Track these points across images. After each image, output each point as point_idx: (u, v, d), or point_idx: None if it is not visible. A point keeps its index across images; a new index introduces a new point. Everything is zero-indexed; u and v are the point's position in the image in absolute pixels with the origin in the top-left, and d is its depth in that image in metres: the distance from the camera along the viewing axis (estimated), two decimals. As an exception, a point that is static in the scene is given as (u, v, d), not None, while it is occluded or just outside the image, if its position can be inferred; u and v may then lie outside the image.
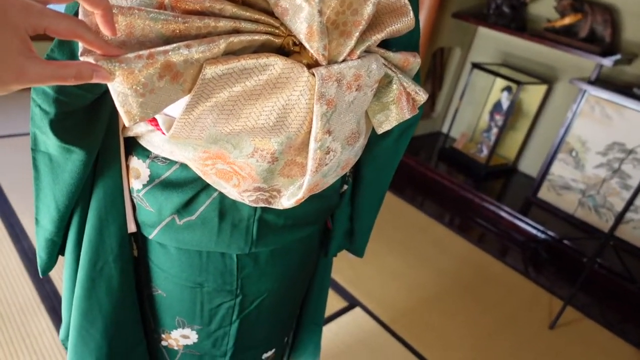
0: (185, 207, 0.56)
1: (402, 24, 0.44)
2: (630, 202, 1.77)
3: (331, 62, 0.42)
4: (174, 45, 0.36)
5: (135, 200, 0.59)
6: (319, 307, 0.86)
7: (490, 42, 2.83)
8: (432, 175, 2.75)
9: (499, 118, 2.68)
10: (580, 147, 2.35)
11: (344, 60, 0.42)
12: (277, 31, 0.41)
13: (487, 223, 2.49)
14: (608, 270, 2.12)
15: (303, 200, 0.50)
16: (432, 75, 2.97)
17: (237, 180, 0.48)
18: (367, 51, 0.45)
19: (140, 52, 0.34)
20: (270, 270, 0.66)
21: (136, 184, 0.57)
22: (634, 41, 2.24)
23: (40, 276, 0.65)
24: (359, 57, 0.43)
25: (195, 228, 0.58)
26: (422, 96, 0.49)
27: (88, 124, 0.51)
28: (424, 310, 1.76)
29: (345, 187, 0.70)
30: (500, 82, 2.66)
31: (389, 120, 0.50)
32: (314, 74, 0.40)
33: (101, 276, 0.61)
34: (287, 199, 0.51)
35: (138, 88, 0.36)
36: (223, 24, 0.38)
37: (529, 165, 2.82)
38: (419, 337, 1.63)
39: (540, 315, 1.87)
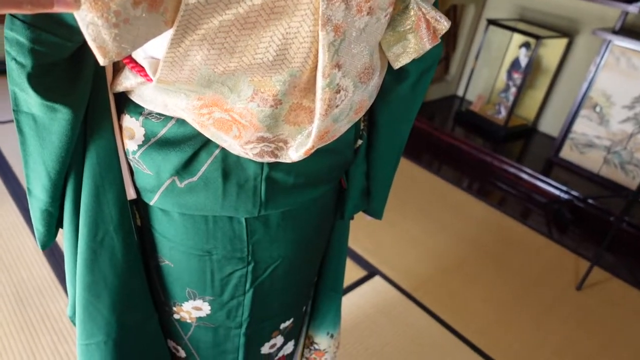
0: (186, 168, 0.52)
1: None
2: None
3: None
4: None
5: (131, 163, 0.54)
6: (337, 274, 0.82)
7: (506, -3, 2.69)
8: (448, 140, 2.67)
9: (517, 77, 2.56)
10: (605, 102, 2.24)
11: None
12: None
13: (508, 186, 2.42)
14: (636, 228, 2.04)
15: (313, 150, 0.45)
16: (446, 35, 2.85)
17: (237, 130, 0.42)
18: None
19: None
20: (283, 234, 0.61)
21: (131, 145, 0.53)
22: (661, -15, 2.09)
23: (41, 250, 0.62)
24: None
25: (198, 190, 0.53)
26: (443, 24, 0.43)
27: (71, 78, 0.46)
28: (445, 277, 1.72)
29: (360, 142, 0.64)
30: (517, 38, 2.53)
31: (407, 52, 0.44)
32: None
33: (102, 247, 0.57)
34: (295, 150, 0.46)
35: (110, 17, 0.30)
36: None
37: (550, 125, 2.72)
38: (441, 304, 1.59)
39: (566, 277, 1.81)
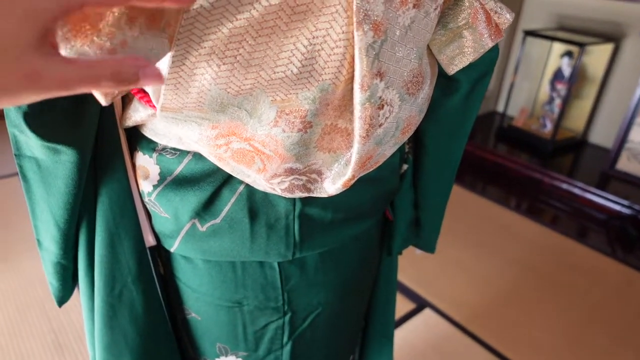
0: (206, 208, 0.45)
1: None
2: None
3: None
4: None
5: (148, 206, 0.48)
6: (387, 317, 0.72)
7: (542, 6, 2.58)
8: (491, 158, 2.53)
9: (561, 87, 2.42)
10: (663, 107, 2.06)
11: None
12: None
13: (560, 203, 2.25)
14: None
15: (353, 181, 0.37)
16: (480, 51, 2.75)
17: (260, 161, 0.35)
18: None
19: None
20: (322, 278, 0.53)
21: (146, 186, 0.46)
22: None
23: (58, 306, 0.56)
24: None
25: (222, 233, 0.46)
26: (505, 16, 0.35)
27: (74, 115, 0.40)
28: (501, 307, 1.57)
29: (405, 166, 0.56)
30: (558, 48, 2.40)
31: (463, 52, 0.36)
32: None
33: (121, 302, 0.51)
34: (332, 182, 0.38)
35: (103, 41, 0.24)
36: None
37: (601, 135, 2.54)
38: (500, 338, 1.44)
39: (636, 301, 1.63)
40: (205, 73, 0.28)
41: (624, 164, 2.25)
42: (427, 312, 1.54)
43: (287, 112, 0.32)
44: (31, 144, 0.41)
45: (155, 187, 0.46)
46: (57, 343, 1.39)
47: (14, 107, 0.39)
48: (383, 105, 0.32)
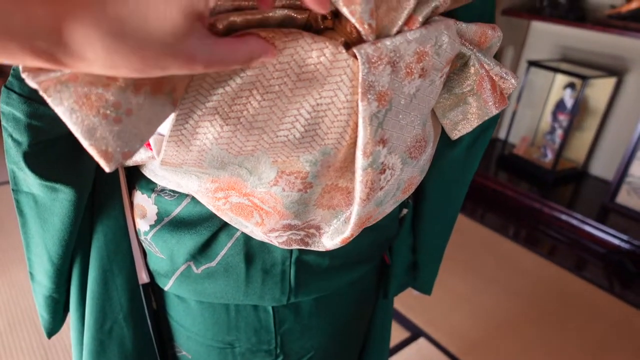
0: (202, 252, 0.44)
1: None
2: None
3: (380, 35, 0.28)
4: None
5: (144, 244, 0.48)
6: (381, 358, 0.71)
7: (546, 37, 2.60)
8: (492, 185, 2.53)
9: (563, 118, 2.43)
10: (664, 143, 2.07)
11: (399, 32, 0.29)
12: (298, 1, 0.28)
13: (559, 234, 2.24)
14: None
15: (352, 238, 0.37)
16: (483, 78, 2.77)
17: (259, 216, 0.35)
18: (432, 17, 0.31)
19: None
20: (316, 322, 0.52)
21: (143, 225, 0.46)
22: None
23: (47, 338, 0.55)
24: (422, 26, 0.29)
25: (217, 277, 0.46)
26: (511, 82, 0.35)
27: (73, 155, 0.40)
28: (497, 339, 1.55)
29: (405, 211, 0.56)
30: (561, 79, 2.42)
31: (467, 119, 0.35)
32: (355, 55, 0.27)
33: (111, 338, 0.50)
34: (330, 238, 0.38)
35: (108, 112, 0.24)
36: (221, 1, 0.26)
37: (602, 168, 2.54)
38: (495, 372, 1.42)
39: (634, 339, 1.61)
40: (207, 132, 0.28)
41: (624, 197, 2.24)
42: (421, 342, 1.52)
43: (288, 172, 0.31)
44: (29, 181, 0.41)
45: (152, 227, 0.45)
46: (46, 358, 1.37)
47: (14, 145, 0.39)
48: (385, 170, 0.32)
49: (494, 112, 0.35)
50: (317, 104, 0.28)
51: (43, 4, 0.20)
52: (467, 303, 1.71)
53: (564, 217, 2.29)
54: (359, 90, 0.28)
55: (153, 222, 0.45)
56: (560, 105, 2.46)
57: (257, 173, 0.32)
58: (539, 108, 2.59)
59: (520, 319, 1.65)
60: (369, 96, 0.28)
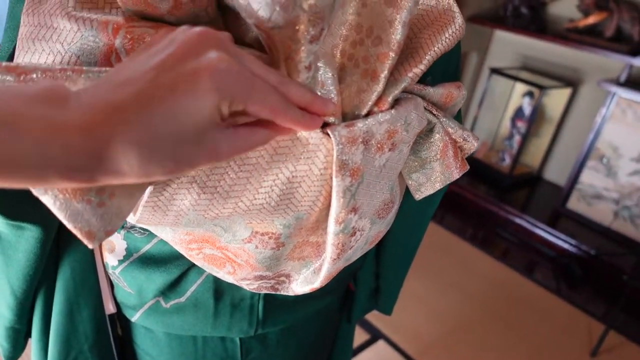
0: (172, 288, 0.45)
1: (449, 39, 0.32)
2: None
3: (350, 114, 0.30)
4: None
5: (111, 277, 0.48)
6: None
7: (508, 46, 2.69)
8: (451, 187, 2.61)
9: (521, 125, 2.53)
10: (612, 154, 2.19)
11: (370, 113, 0.30)
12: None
13: (514, 237, 2.34)
14: (650, 287, 1.95)
15: (320, 287, 0.38)
16: (448, 82, 2.83)
17: (231, 267, 0.36)
18: (403, 91, 0.33)
19: None
20: (282, 351, 0.54)
21: (111, 260, 0.46)
22: (665, 38, 2.08)
23: (7, 364, 0.54)
24: (392, 107, 0.31)
25: (186, 311, 0.46)
26: (472, 143, 0.37)
27: None
28: (452, 340, 1.62)
29: (370, 242, 0.58)
30: (520, 87, 2.51)
31: (430, 181, 0.38)
32: (329, 135, 0.28)
33: None
34: (300, 286, 0.39)
35: (92, 198, 0.24)
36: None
37: (555, 173, 2.67)
38: (449, 373, 1.49)
39: (579, 340, 1.72)
40: (184, 199, 0.29)
41: (574, 203, 2.37)
42: (380, 344, 1.57)
43: (262, 233, 0.32)
44: None
45: (120, 262, 0.45)
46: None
47: None
48: (355, 232, 0.33)
49: (456, 176, 0.37)
50: (293, 176, 0.29)
51: (81, 133, 0.20)
52: (425, 305, 1.77)
53: (518, 220, 2.39)
54: (333, 167, 0.29)
55: (122, 258, 0.45)
56: (519, 112, 2.56)
57: (231, 231, 0.33)
58: (499, 114, 2.68)
59: (474, 321, 1.73)
60: (343, 172, 0.29)
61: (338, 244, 0.33)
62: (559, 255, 2.20)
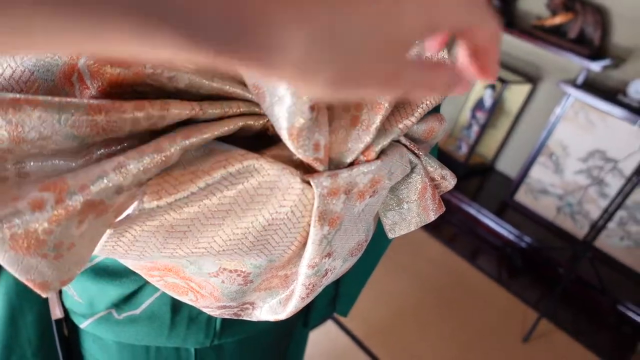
0: (126, 301, 0.43)
1: (438, 96, 0.31)
2: (611, 213, 1.72)
3: (335, 160, 0.28)
4: (97, 172, 0.22)
5: None
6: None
7: (476, 35, 2.71)
8: (409, 172, 2.66)
9: (480, 116, 2.59)
10: (561, 152, 2.29)
11: (355, 162, 0.29)
12: (257, 109, 0.27)
13: (465, 225, 2.43)
14: (581, 280, 2.10)
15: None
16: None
17: (194, 296, 0.34)
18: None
19: (43, 195, 0.20)
20: (237, 359, 0.53)
21: (60, 267, 0.43)
22: (622, 45, 2.17)
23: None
24: (378, 158, 0.30)
25: (140, 322, 0.44)
26: (449, 182, 0.37)
27: None
28: (399, 323, 1.68)
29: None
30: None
31: (406, 221, 0.37)
32: (310, 184, 0.27)
33: None
34: (264, 314, 0.38)
35: (48, 252, 0.22)
36: (176, 111, 0.24)
37: (507, 165, 2.77)
38: (392, 355, 1.55)
39: (514, 327, 1.83)
40: (149, 242, 0.27)
41: (522, 196, 2.48)
42: (329, 325, 1.60)
43: (230, 270, 0.31)
44: None
45: (71, 271, 0.42)
46: None
47: None
48: (327, 273, 0.33)
49: (432, 218, 0.37)
50: (269, 224, 0.28)
51: None
52: (375, 286, 1.82)
53: (467, 208, 2.48)
54: (312, 217, 0.28)
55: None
56: (479, 104, 2.61)
57: (197, 264, 0.31)
58: (460, 104, 2.73)
59: (421, 304, 1.80)
60: (322, 222, 0.28)
61: (309, 284, 0.32)
62: (503, 245, 2.31)
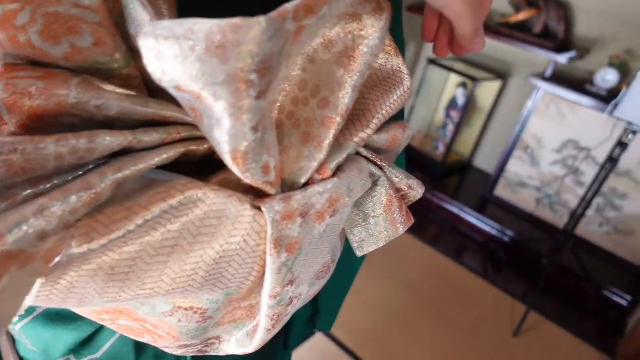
0: (84, 345, 0.40)
1: (397, 102, 0.29)
2: (588, 201, 1.74)
3: (288, 182, 0.26)
4: (14, 218, 0.19)
5: (12, 332, 0.41)
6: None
7: (444, 35, 2.74)
8: (388, 175, 2.65)
9: (454, 115, 2.61)
10: (536, 145, 2.32)
11: (309, 182, 0.27)
12: (199, 133, 0.25)
13: (447, 224, 2.43)
14: (564, 269, 2.12)
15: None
16: (386, 69, 2.85)
17: (151, 338, 0.32)
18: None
19: None
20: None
21: (10, 313, 0.40)
22: (585, 36, 2.21)
23: None
24: (334, 175, 0.28)
25: (102, 365, 0.41)
26: (417, 191, 0.35)
27: None
28: (389, 330, 1.66)
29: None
30: (455, 78, 2.58)
31: (373, 237, 0.35)
32: (261, 210, 0.25)
33: None
34: (232, 348, 0.36)
35: None
36: (106, 141, 0.22)
37: (484, 161, 2.79)
38: (384, 363, 1.53)
39: (503, 322, 1.83)
40: (87, 288, 0.24)
41: (501, 190, 2.49)
42: (318, 337, 1.58)
43: (186, 307, 0.29)
44: None
45: (21, 317, 0.39)
46: None
47: None
48: (292, 301, 0.30)
49: (401, 232, 0.35)
50: (221, 256, 0.25)
51: None
52: (361, 294, 1.80)
53: (448, 206, 2.48)
54: (267, 245, 0.26)
55: (22, 313, 0.39)
56: (453, 103, 2.63)
57: (149, 305, 0.28)
58: (434, 104, 2.75)
59: (408, 309, 1.78)
60: (278, 249, 0.26)
61: (273, 315, 0.30)
62: (487, 240, 2.32)
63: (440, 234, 2.37)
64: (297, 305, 0.33)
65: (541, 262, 2.19)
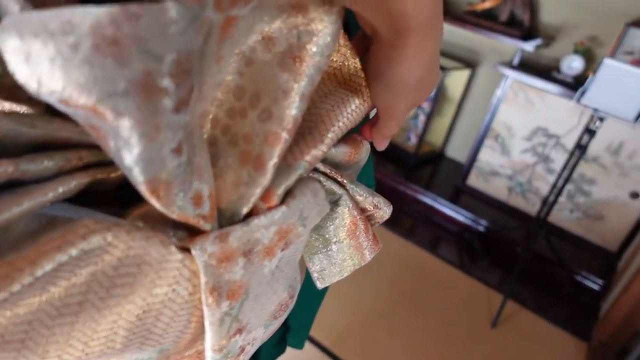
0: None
1: (355, 112, 0.25)
2: (559, 188, 1.75)
3: (228, 214, 0.21)
4: None
5: None
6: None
7: (412, 25, 2.71)
8: (361, 169, 2.63)
9: (425, 105, 2.59)
10: (506, 133, 2.33)
11: (253, 212, 0.22)
12: (108, 158, 0.20)
13: (421, 215, 2.42)
14: (538, 256, 2.14)
15: None
16: (355, 62, 2.81)
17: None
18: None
19: None
20: None
21: None
22: (551, 24, 2.22)
23: None
24: (283, 202, 0.23)
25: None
26: (384, 210, 0.31)
27: None
28: (368, 327, 1.64)
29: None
30: (424, 68, 2.56)
31: (336, 265, 0.30)
32: (191, 251, 0.20)
33: None
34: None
35: None
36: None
37: (456, 151, 2.79)
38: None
39: (481, 313, 1.83)
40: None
41: (473, 180, 2.50)
42: (295, 339, 1.54)
43: (111, 367, 0.24)
44: None
45: None
46: None
47: None
48: (244, 349, 0.26)
49: (368, 259, 0.31)
50: (145, 311, 0.21)
51: None
52: (337, 291, 1.77)
53: (422, 197, 2.48)
54: (203, 294, 0.21)
55: None
56: (423, 93, 2.62)
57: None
58: (405, 94, 2.72)
59: (387, 304, 1.76)
60: (217, 298, 0.21)
61: (222, 367, 0.25)
62: (461, 230, 2.32)
63: (414, 225, 2.35)
64: (252, 350, 0.28)
65: (515, 250, 2.21)
